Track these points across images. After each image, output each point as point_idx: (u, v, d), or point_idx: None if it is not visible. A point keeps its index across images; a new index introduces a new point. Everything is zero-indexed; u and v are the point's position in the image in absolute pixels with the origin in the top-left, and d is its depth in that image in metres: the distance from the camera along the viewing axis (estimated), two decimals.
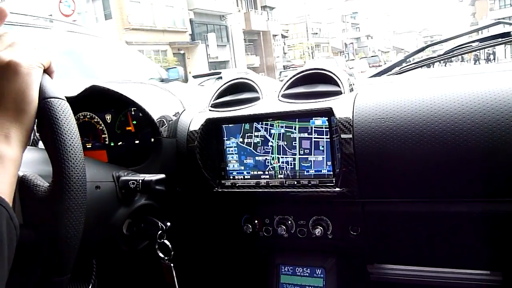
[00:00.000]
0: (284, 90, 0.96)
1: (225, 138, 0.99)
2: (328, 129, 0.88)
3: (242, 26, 32.36)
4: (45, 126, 0.56)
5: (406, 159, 0.79)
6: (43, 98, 0.56)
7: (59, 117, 0.56)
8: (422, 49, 1.61)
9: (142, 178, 0.80)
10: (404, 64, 1.46)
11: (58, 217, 0.55)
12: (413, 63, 1.45)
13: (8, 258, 0.46)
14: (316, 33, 56.36)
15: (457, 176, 0.77)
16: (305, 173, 0.91)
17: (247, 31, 33.68)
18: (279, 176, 0.94)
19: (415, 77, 1.26)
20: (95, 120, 1.07)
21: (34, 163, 0.67)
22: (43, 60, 0.58)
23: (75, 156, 0.56)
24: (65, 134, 0.56)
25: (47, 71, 0.59)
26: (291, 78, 0.97)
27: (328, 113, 0.87)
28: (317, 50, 51.47)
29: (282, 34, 43.35)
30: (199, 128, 0.97)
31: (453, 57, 1.38)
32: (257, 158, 0.96)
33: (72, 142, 0.56)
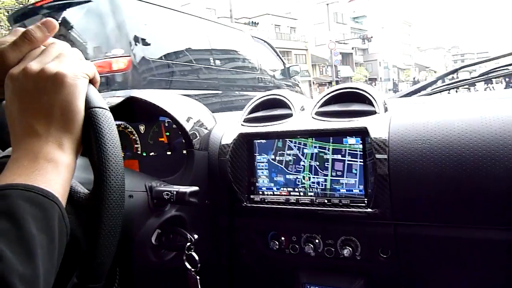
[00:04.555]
0: (318, 108, 0.95)
1: (256, 154, 0.99)
2: (362, 152, 0.87)
3: None
4: (89, 134, 0.57)
5: (442, 182, 0.77)
6: (88, 107, 0.57)
7: (103, 127, 0.57)
8: (456, 70, 1.58)
9: (177, 189, 0.80)
10: (435, 85, 1.44)
11: (98, 225, 0.56)
12: (444, 85, 1.43)
13: (59, 253, 0.47)
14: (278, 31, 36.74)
15: (496, 202, 0.75)
16: (336, 193, 0.90)
17: None
18: (309, 193, 0.93)
19: (448, 99, 1.23)
20: (129, 130, 1.09)
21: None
22: (88, 70, 0.59)
23: (116, 166, 0.58)
24: (108, 143, 0.57)
25: (92, 81, 0.61)
26: (324, 96, 0.97)
27: (362, 132, 0.86)
28: (286, 58, 29.38)
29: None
30: (231, 142, 0.98)
31: (488, 79, 1.35)
32: (287, 176, 0.95)
33: (114, 152, 0.58)
